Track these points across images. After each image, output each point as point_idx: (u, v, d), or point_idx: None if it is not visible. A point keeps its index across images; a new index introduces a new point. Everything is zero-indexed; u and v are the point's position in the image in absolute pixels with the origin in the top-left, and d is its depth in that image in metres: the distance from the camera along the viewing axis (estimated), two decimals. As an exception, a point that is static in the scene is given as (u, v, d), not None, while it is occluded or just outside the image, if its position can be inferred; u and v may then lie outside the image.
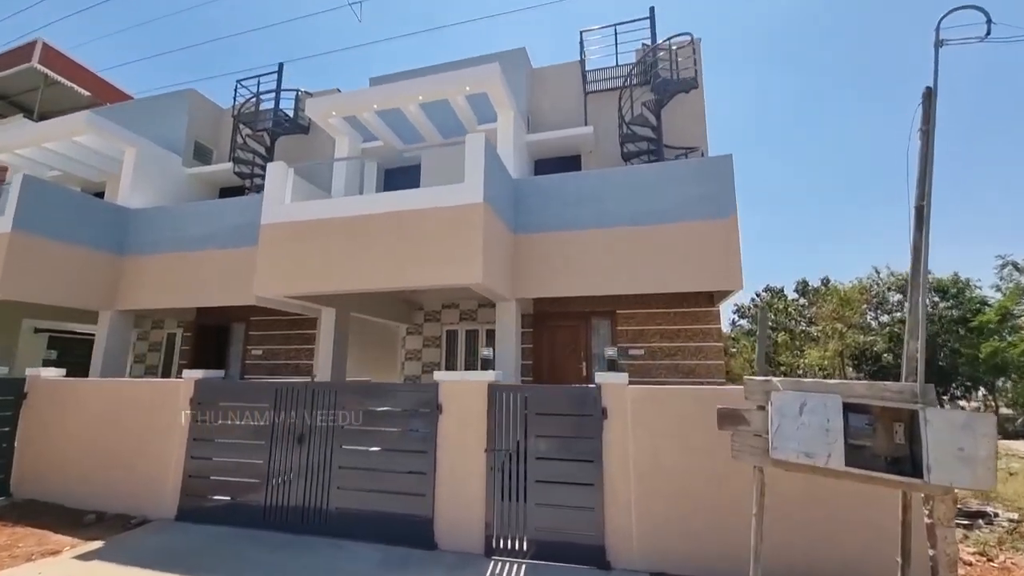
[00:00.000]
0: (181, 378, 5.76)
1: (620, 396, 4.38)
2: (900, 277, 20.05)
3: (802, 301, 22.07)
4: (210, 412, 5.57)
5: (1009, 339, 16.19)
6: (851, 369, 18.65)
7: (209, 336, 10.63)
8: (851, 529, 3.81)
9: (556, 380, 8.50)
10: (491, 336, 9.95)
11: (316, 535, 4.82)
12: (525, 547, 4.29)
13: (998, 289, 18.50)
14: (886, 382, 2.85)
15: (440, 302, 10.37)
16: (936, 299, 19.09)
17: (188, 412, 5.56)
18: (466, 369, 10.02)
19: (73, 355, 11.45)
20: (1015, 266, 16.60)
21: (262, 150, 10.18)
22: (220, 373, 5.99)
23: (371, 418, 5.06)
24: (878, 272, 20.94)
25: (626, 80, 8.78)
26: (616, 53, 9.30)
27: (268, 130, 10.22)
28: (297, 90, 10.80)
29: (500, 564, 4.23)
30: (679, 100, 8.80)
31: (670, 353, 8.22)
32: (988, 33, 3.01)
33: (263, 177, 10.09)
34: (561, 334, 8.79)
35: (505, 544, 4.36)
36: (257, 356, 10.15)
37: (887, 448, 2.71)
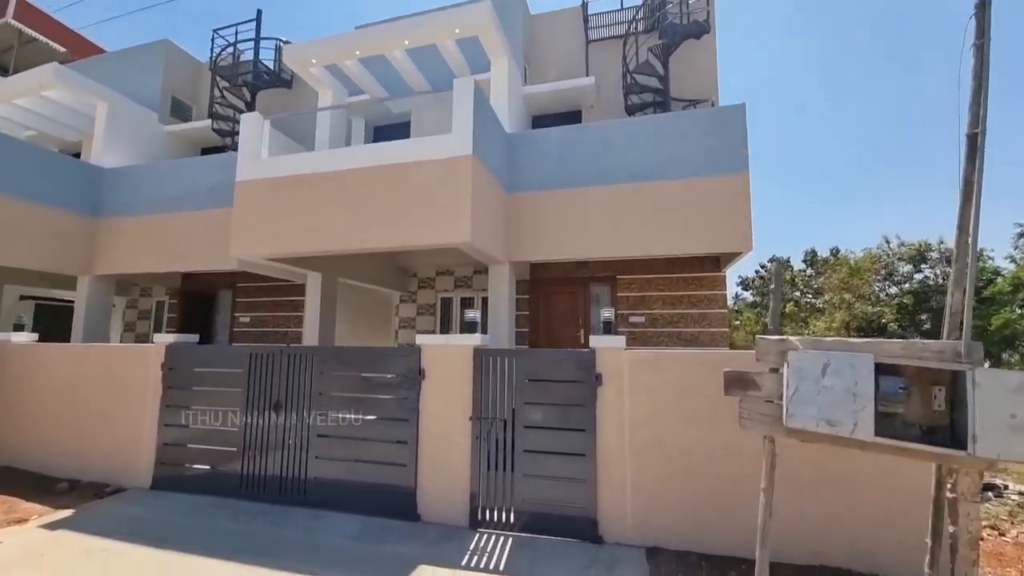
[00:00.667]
0: (153, 343, 5.44)
1: (616, 361, 4.02)
2: (911, 247, 19.46)
3: (809, 272, 21.56)
4: (183, 378, 5.28)
5: (1020, 311, 15.74)
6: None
7: (195, 303, 10.31)
8: (861, 506, 3.49)
9: (552, 347, 8.17)
10: (487, 304, 9.61)
11: (295, 505, 4.58)
12: (512, 519, 4.03)
13: (1012, 260, 17.93)
14: (925, 340, 2.45)
15: (434, 268, 9.97)
16: (946, 268, 18.53)
17: (160, 377, 5.26)
18: (461, 337, 9.73)
19: (60, 322, 11.20)
20: (1034, 234, 15.99)
21: (242, 105, 9.57)
22: (194, 338, 5.66)
23: (351, 384, 4.75)
24: (888, 242, 20.33)
25: (631, 25, 8.07)
26: (621, -6, 8.54)
27: (248, 83, 9.57)
28: (277, 39, 10.07)
29: (485, 536, 3.97)
30: (688, 47, 8.10)
31: (672, 320, 7.84)
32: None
33: (244, 135, 9.56)
34: (558, 301, 8.40)
35: (492, 516, 4.10)
36: (245, 324, 9.85)
37: (922, 416, 2.33)
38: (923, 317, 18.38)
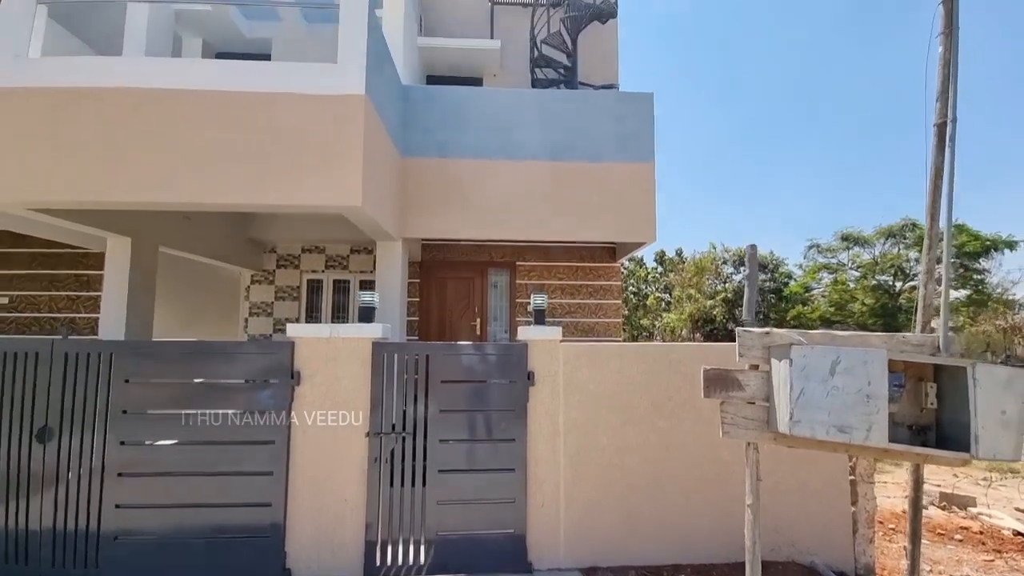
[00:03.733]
0: None
1: (551, 356, 3.41)
2: (734, 252, 23.05)
3: (660, 270, 24.29)
4: None
5: (807, 307, 19.86)
6: (691, 331, 21.13)
7: (-96, 275, 6.85)
8: (782, 495, 3.49)
9: (446, 339, 7.32)
10: (367, 288, 8.27)
11: (77, 579, 3.00)
12: (423, 558, 3.16)
13: (800, 267, 22.52)
14: (905, 333, 2.32)
15: (299, 243, 8.22)
16: (759, 273, 22.49)
17: None
18: (331, 326, 8.25)
19: None
20: (818, 248, 20.25)
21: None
22: None
23: (179, 396, 3.29)
24: (715, 247, 23.82)
25: (539, -4, 7.55)
26: (530, -40, 7.93)
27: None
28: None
29: (385, 587, 3.04)
30: (593, 31, 7.90)
31: (570, 310, 7.64)
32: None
33: None
34: (453, 286, 7.56)
35: (395, 557, 3.16)
36: (0, 305, 6.86)
37: (911, 414, 2.17)
38: (739, 311, 22.16)
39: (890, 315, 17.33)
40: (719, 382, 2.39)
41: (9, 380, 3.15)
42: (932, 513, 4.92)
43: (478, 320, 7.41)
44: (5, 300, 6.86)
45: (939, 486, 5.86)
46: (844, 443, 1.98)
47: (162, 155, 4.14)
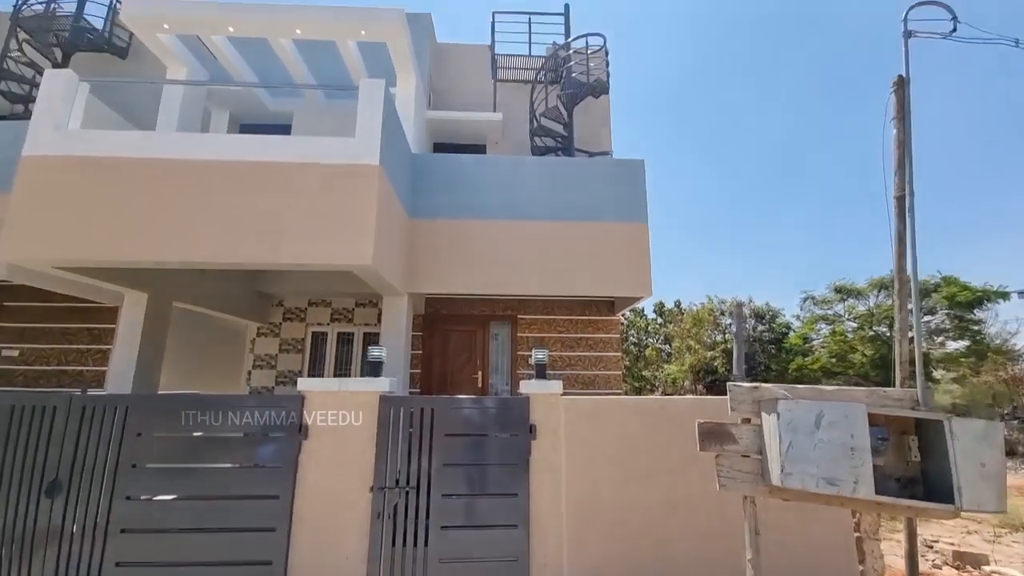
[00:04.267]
0: None
1: (553, 409, 3.51)
2: (729, 304, 23.28)
3: (659, 321, 24.43)
4: None
5: (807, 358, 19.79)
6: (694, 382, 20.94)
7: (-81, 328, 7.01)
8: (788, 547, 3.46)
9: (447, 391, 7.36)
10: (372, 340, 8.41)
11: (68, 647, 2.93)
12: (422, 622, 3.09)
13: (798, 318, 22.67)
14: (886, 388, 2.46)
15: (306, 296, 8.47)
16: (756, 323, 22.64)
17: None
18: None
19: None
20: (813, 300, 20.52)
21: (48, 65, 7.20)
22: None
23: (185, 450, 3.35)
24: (711, 299, 24.11)
25: (538, 74, 8.28)
26: (529, 43, 8.78)
27: (63, 42, 7.27)
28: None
29: (384, 654, 2.96)
30: (587, 103, 8.58)
31: (570, 362, 7.73)
32: (953, 30, 2.93)
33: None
34: (455, 339, 7.70)
35: (392, 621, 3.10)
36: (9, 358, 6.96)
37: (898, 466, 2.28)
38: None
39: (890, 367, 17.29)
40: (714, 436, 2.51)
41: (24, 434, 3.24)
42: (946, 573, 4.78)
43: (480, 373, 7.48)
44: (15, 353, 6.98)
45: (953, 544, 5.71)
46: (835, 495, 2.08)
47: (190, 218, 4.46)
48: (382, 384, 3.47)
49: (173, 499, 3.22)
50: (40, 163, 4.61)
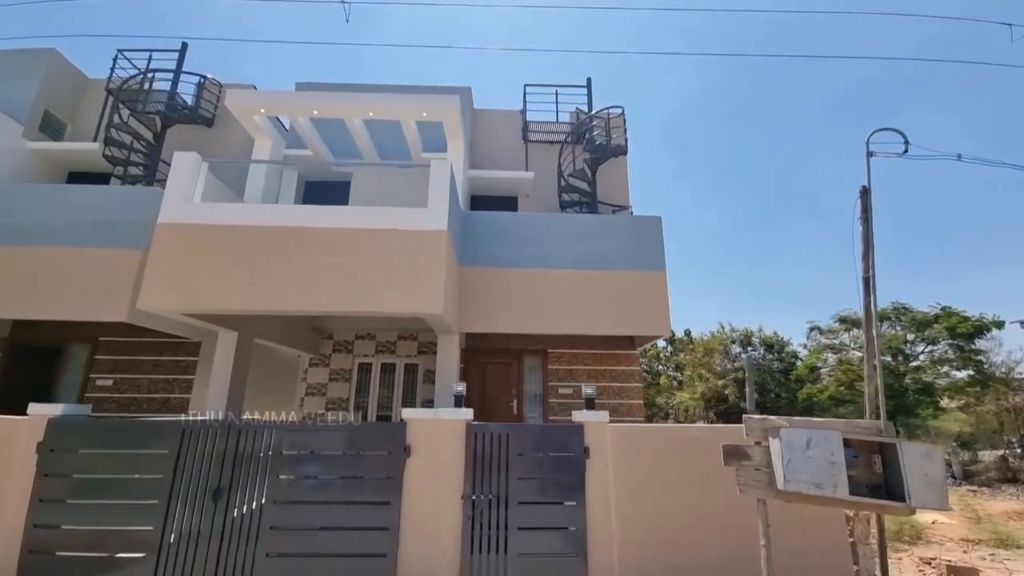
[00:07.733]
0: (26, 415, 4.22)
1: (602, 434, 4.41)
2: (741, 332, 24.01)
3: (669, 349, 25.21)
4: (68, 462, 4.16)
5: (817, 386, 20.40)
6: (705, 410, 21.52)
7: (27, 359, 8.04)
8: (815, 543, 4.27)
9: (484, 418, 8.21)
10: (412, 370, 9.34)
11: (231, 620, 3.78)
12: (504, 603, 3.92)
13: (805, 347, 23.35)
14: (858, 420, 3.36)
15: (353, 331, 9.47)
16: (764, 352, 23.31)
17: (34, 462, 4.06)
18: (379, 407, 9.22)
19: None
20: (819, 330, 21.29)
21: (149, 135, 8.45)
22: (85, 408, 4.54)
23: (319, 463, 4.27)
24: (723, 327, 24.86)
25: (566, 137, 9.47)
26: (556, 111, 10.01)
27: (160, 113, 8.55)
28: (202, 76, 9.34)
29: (477, 628, 3.78)
30: (608, 163, 9.73)
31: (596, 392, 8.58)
32: (905, 151, 3.95)
33: (142, 166, 8.43)
34: (492, 371, 8.62)
35: (480, 603, 3.94)
36: (105, 387, 7.94)
37: (867, 476, 3.16)
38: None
39: (899, 396, 17.76)
40: (734, 454, 3.40)
41: (191, 450, 4.18)
42: (937, 584, 5.50)
43: (515, 401, 8.36)
44: (110, 382, 7.97)
45: (949, 561, 6.39)
46: (821, 495, 2.96)
47: (289, 276, 5.49)
48: (467, 413, 4.40)
49: (311, 503, 4.11)
50: (172, 231, 5.71)
